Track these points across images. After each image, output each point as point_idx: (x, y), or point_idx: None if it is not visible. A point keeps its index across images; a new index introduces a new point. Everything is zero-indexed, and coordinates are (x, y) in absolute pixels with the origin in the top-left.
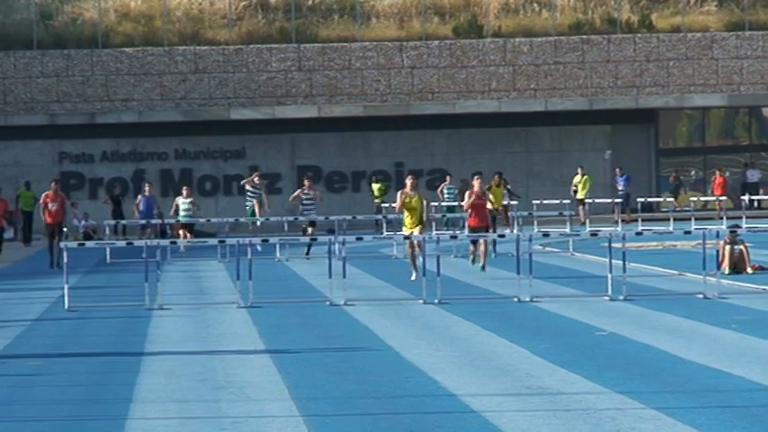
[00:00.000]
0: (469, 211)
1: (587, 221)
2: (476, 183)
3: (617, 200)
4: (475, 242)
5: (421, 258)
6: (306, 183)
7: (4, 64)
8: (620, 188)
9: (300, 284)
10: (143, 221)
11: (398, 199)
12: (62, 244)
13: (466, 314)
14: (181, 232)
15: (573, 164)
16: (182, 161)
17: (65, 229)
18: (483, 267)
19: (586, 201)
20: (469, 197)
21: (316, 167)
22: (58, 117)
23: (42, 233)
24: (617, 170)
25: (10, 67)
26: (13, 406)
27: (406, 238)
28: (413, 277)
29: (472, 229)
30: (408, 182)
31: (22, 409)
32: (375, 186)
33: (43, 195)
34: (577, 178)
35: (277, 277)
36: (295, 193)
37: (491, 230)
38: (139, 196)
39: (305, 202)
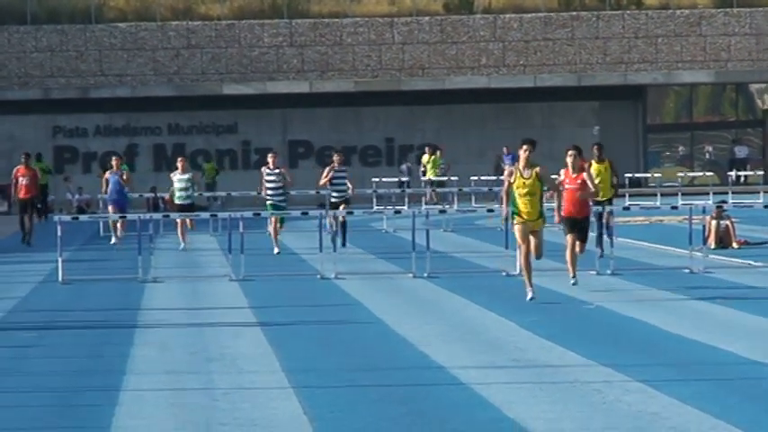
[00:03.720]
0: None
1: (438, 201)
2: (570, 159)
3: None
4: (572, 232)
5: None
6: (336, 158)
7: None
8: (506, 167)
9: (291, 258)
10: (111, 217)
11: (506, 181)
12: (56, 218)
13: (455, 288)
14: (179, 221)
15: (562, 139)
16: (174, 136)
17: (38, 205)
18: (574, 278)
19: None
20: (563, 178)
21: (307, 142)
22: (51, 92)
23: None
24: (504, 149)
25: (4, 42)
26: (9, 377)
27: (523, 231)
28: (529, 296)
29: (568, 221)
30: (523, 154)
31: (18, 381)
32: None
33: (15, 170)
34: (425, 158)
35: (268, 251)
36: (325, 174)
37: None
38: (107, 173)
39: (335, 180)
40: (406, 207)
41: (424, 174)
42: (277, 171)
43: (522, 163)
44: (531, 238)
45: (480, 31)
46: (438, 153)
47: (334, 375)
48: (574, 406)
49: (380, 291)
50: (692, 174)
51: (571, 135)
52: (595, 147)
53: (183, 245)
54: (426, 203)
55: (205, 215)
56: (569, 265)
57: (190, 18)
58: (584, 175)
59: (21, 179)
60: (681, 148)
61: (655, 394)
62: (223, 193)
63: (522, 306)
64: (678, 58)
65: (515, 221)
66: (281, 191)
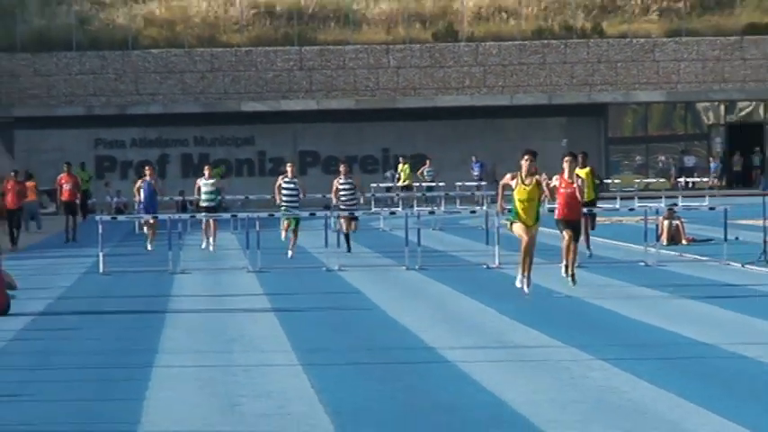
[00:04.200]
0: (559, 201)
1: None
2: (566, 165)
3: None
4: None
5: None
6: (342, 169)
7: (47, 63)
8: (474, 173)
9: (301, 253)
10: (144, 216)
11: (503, 182)
12: (97, 217)
13: (442, 279)
14: (204, 224)
15: (537, 150)
16: (200, 147)
17: (76, 201)
18: (573, 278)
19: (413, 185)
20: (559, 183)
21: (315, 153)
22: (94, 109)
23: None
24: (472, 157)
25: (53, 66)
26: (56, 356)
27: (523, 228)
28: (522, 286)
29: (563, 223)
30: (525, 163)
31: (64, 359)
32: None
33: (59, 177)
34: (401, 167)
35: (281, 247)
36: (334, 187)
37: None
38: (139, 182)
39: (342, 192)
40: (400, 209)
41: (399, 179)
42: (295, 180)
43: (524, 171)
44: (524, 232)
45: (464, 56)
46: (427, 162)
47: (338, 354)
48: (545, 381)
49: (378, 281)
50: (647, 180)
51: (542, 147)
52: (581, 155)
53: (210, 246)
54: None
55: (226, 215)
56: (564, 256)
57: (213, 45)
58: (579, 181)
59: (64, 185)
60: (638, 158)
61: (615, 371)
62: (242, 197)
63: (501, 294)
64: (635, 80)
65: (513, 227)
66: (295, 199)
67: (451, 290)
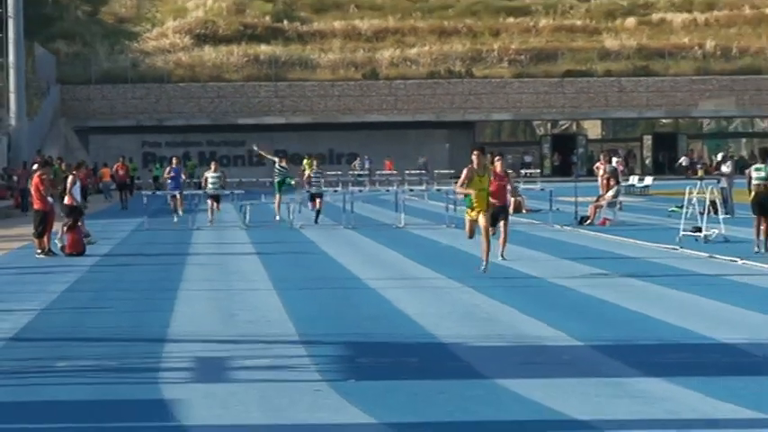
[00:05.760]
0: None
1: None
2: (498, 163)
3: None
4: (494, 224)
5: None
6: (314, 161)
7: (111, 91)
8: (366, 167)
9: (275, 216)
10: (173, 192)
11: (462, 178)
12: (143, 192)
13: (368, 234)
14: (209, 201)
15: (428, 152)
16: (210, 147)
17: (137, 180)
18: (502, 255)
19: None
20: (493, 178)
21: (285, 150)
22: (141, 121)
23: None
24: (365, 156)
25: (115, 93)
26: (116, 282)
27: (471, 226)
28: (482, 268)
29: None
30: (475, 158)
31: (120, 284)
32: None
33: (115, 166)
34: (306, 162)
35: (263, 212)
36: (306, 174)
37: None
38: (168, 167)
39: (313, 178)
40: (340, 188)
41: (304, 171)
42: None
43: (475, 164)
44: (481, 218)
45: (382, 89)
46: (358, 158)
47: (299, 283)
48: (432, 300)
49: (325, 236)
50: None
51: (431, 149)
52: (487, 153)
53: (209, 222)
54: (308, 190)
55: (226, 192)
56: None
57: (219, 81)
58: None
59: (119, 171)
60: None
61: (477, 294)
62: (237, 179)
63: (404, 244)
64: (493, 106)
65: (468, 216)
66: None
67: (372, 241)
